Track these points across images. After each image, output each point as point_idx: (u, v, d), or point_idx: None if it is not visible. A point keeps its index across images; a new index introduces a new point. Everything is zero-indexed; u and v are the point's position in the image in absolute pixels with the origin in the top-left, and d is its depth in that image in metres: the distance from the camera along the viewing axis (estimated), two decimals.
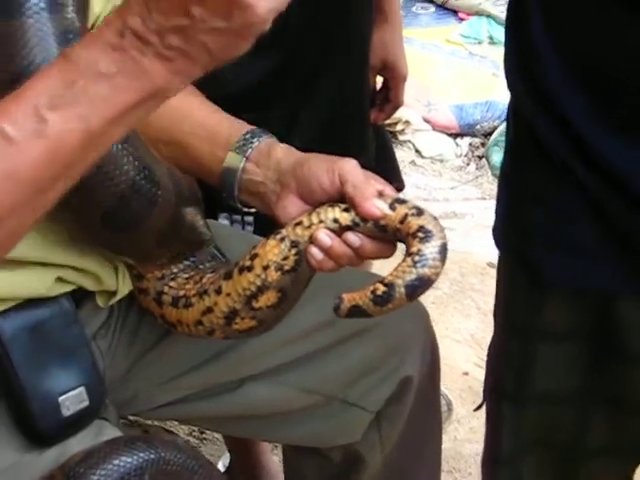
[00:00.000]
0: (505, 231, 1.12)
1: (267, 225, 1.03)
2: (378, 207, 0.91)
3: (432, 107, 3.32)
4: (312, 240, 0.94)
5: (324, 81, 1.46)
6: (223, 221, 1.43)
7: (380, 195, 0.93)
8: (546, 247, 1.06)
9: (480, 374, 1.27)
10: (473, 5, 3.53)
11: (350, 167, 0.95)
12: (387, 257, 0.95)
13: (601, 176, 0.98)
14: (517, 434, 1.18)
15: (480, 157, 3.28)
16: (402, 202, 0.92)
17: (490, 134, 3.28)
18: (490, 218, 1.16)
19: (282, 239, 0.96)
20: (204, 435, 2.09)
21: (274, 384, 1.18)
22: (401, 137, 3.30)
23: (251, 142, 1.02)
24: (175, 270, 1.06)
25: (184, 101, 1.07)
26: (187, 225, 1.03)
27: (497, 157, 3.10)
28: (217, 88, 1.31)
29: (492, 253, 1.20)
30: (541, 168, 1.04)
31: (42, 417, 1.00)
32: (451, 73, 3.41)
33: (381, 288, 0.90)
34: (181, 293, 1.04)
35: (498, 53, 3.13)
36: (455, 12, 3.60)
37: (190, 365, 1.15)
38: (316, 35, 1.42)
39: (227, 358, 1.15)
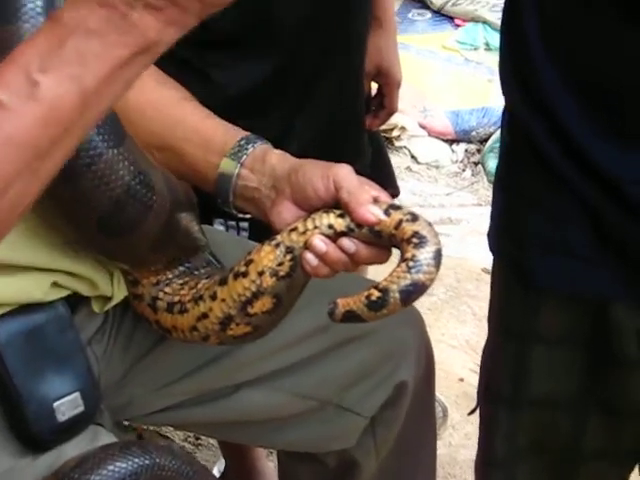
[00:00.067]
0: (500, 236, 1.13)
1: (262, 231, 1.04)
2: (373, 213, 0.92)
3: (428, 113, 3.33)
4: (307, 246, 0.94)
5: (322, 85, 1.46)
6: (218, 227, 1.43)
7: (375, 201, 0.93)
8: (541, 252, 1.06)
9: (475, 380, 1.27)
10: (469, 11, 3.53)
11: (345, 173, 0.95)
12: (382, 263, 0.95)
13: (597, 183, 0.99)
14: (512, 438, 1.18)
15: (476, 163, 3.28)
16: (397, 208, 0.92)
17: (486, 140, 3.29)
18: (485, 224, 1.16)
19: (277, 245, 0.96)
20: (199, 441, 2.09)
21: (269, 390, 1.18)
22: (397, 143, 3.30)
23: (246, 148, 1.02)
24: (170, 276, 1.06)
25: (177, 106, 1.08)
26: (182, 230, 1.03)
27: (493, 163, 3.10)
28: (215, 93, 1.32)
29: (487, 259, 1.20)
30: (536, 173, 1.04)
31: (37, 422, 1.00)
32: (447, 79, 3.41)
33: (375, 293, 0.90)
34: (176, 299, 1.04)
35: (494, 59, 3.14)
36: (451, 18, 3.60)
37: (185, 371, 1.15)
38: (315, 35, 1.42)
39: (222, 364, 1.15)
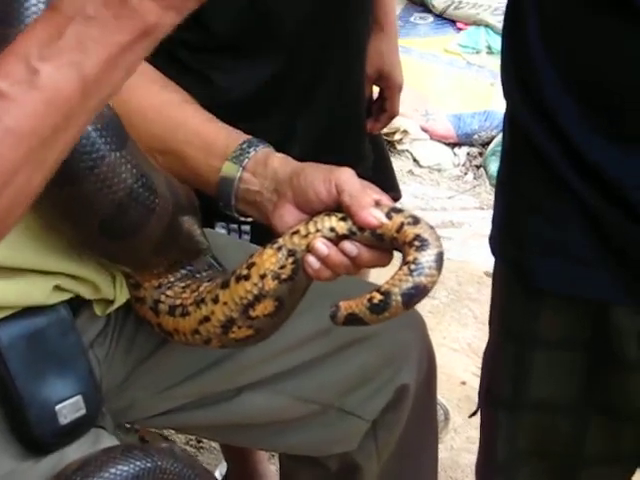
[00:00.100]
0: (501, 239, 1.13)
1: (264, 234, 1.04)
2: (375, 216, 0.92)
3: (430, 117, 3.33)
4: (309, 249, 0.94)
5: (323, 86, 1.46)
6: (220, 230, 1.43)
7: (377, 204, 0.93)
8: (541, 253, 1.06)
9: (477, 383, 1.27)
10: (471, 15, 3.53)
11: (347, 176, 0.95)
12: (384, 266, 0.95)
13: (597, 186, 0.99)
14: (512, 441, 1.18)
15: (478, 167, 3.28)
16: (398, 211, 0.93)
17: (488, 144, 3.29)
18: (487, 228, 1.16)
19: (279, 248, 0.96)
20: (201, 444, 2.09)
21: (271, 393, 1.18)
22: (399, 146, 3.30)
23: (248, 152, 1.02)
24: (172, 279, 1.06)
25: (178, 109, 1.08)
26: (184, 234, 1.04)
27: (495, 167, 3.09)
28: (216, 96, 1.32)
29: (489, 262, 1.20)
30: (537, 176, 1.05)
31: (39, 425, 1.00)
32: (449, 83, 3.41)
33: (377, 296, 0.90)
34: (178, 302, 1.04)
35: (496, 63, 3.13)
36: (453, 22, 3.60)
37: (187, 374, 1.15)
38: (315, 30, 1.41)
39: (224, 367, 1.15)
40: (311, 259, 0.94)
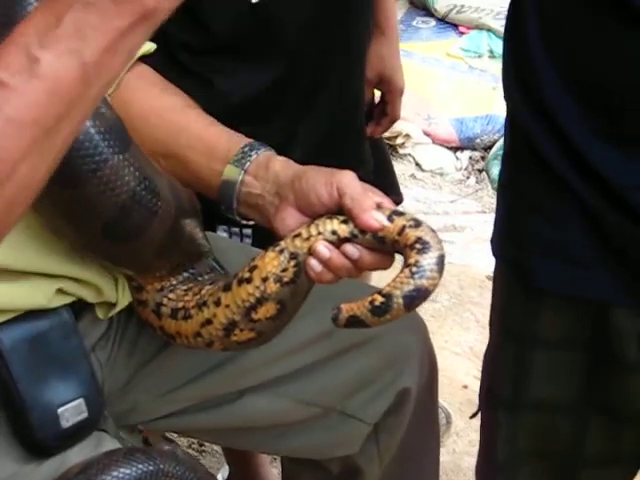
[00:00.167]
0: (502, 239, 1.13)
1: (265, 237, 1.04)
2: (376, 219, 0.92)
3: (432, 121, 3.33)
4: (311, 252, 0.94)
5: (324, 89, 1.46)
6: (222, 233, 1.43)
7: (378, 207, 0.93)
8: (542, 255, 1.06)
9: (479, 387, 1.27)
10: (473, 19, 3.54)
11: (348, 180, 0.95)
12: (385, 268, 0.95)
13: (598, 187, 0.99)
14: (512, 442, 1.18)
15: (480, 171, 3.28)
16: (400, 214, 0.93)
17: (490, 148, 3.29)
18: (489, 231, 1.16)
19: (281, 251, 0.96)
20: (203, 447, 2.09)
21: (273, 396, 1.18)
22: (401, 150, 3.30)
23: (249, 155, 1.03)
24: (174, 282, 1.06)
25: (180, 114, 1.08)
26: (186, 237, 1.04)
27: (497, 171, 3.07)
28: (217, 100, 1.32)
29: (491, 266, 1.20)
30: (538, 177, 1.05)
31: (41, 428, 1.00)
32: (451, 87, 3.42)
33: (379, 299, 0.90)
34: (180, 305, 1.04)
35: (498, 67, 3.13)
36: (455, 26, 3.61)
37: (189, 377, 1.15)
38: (316, 35, 1.42)
39: (226, 370, 1.15)
40: (313, 262, 0.94)
